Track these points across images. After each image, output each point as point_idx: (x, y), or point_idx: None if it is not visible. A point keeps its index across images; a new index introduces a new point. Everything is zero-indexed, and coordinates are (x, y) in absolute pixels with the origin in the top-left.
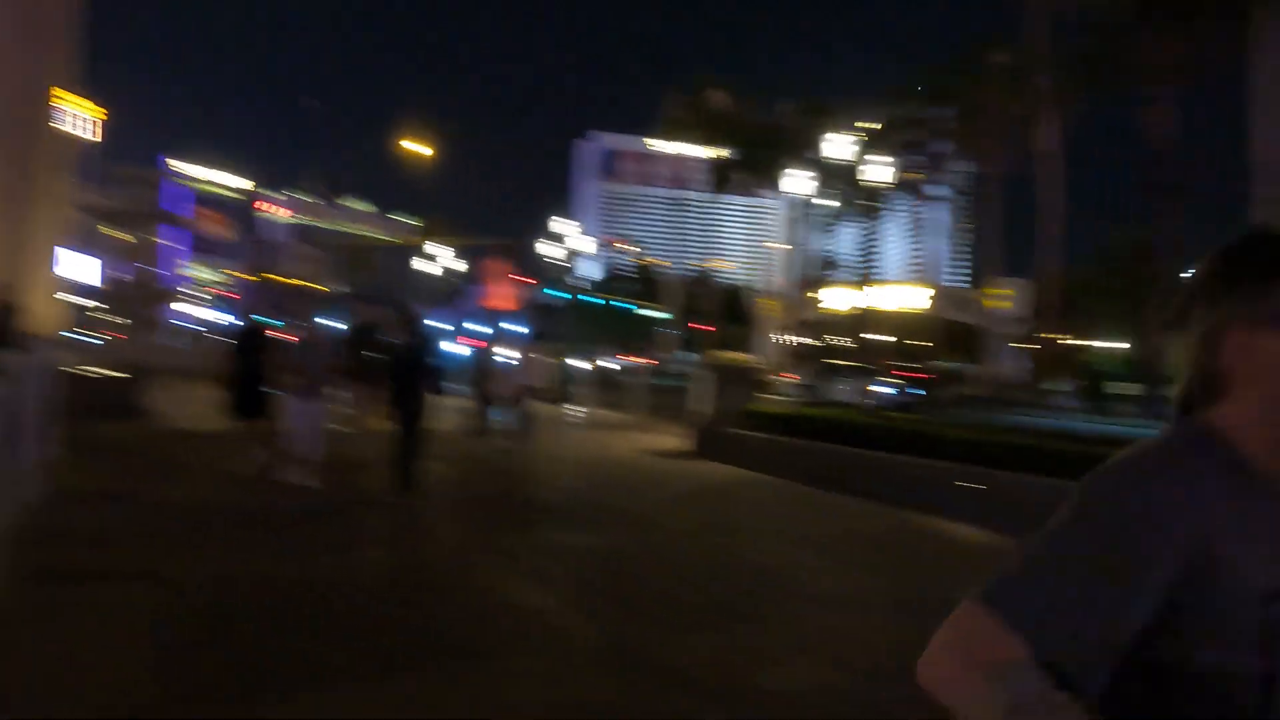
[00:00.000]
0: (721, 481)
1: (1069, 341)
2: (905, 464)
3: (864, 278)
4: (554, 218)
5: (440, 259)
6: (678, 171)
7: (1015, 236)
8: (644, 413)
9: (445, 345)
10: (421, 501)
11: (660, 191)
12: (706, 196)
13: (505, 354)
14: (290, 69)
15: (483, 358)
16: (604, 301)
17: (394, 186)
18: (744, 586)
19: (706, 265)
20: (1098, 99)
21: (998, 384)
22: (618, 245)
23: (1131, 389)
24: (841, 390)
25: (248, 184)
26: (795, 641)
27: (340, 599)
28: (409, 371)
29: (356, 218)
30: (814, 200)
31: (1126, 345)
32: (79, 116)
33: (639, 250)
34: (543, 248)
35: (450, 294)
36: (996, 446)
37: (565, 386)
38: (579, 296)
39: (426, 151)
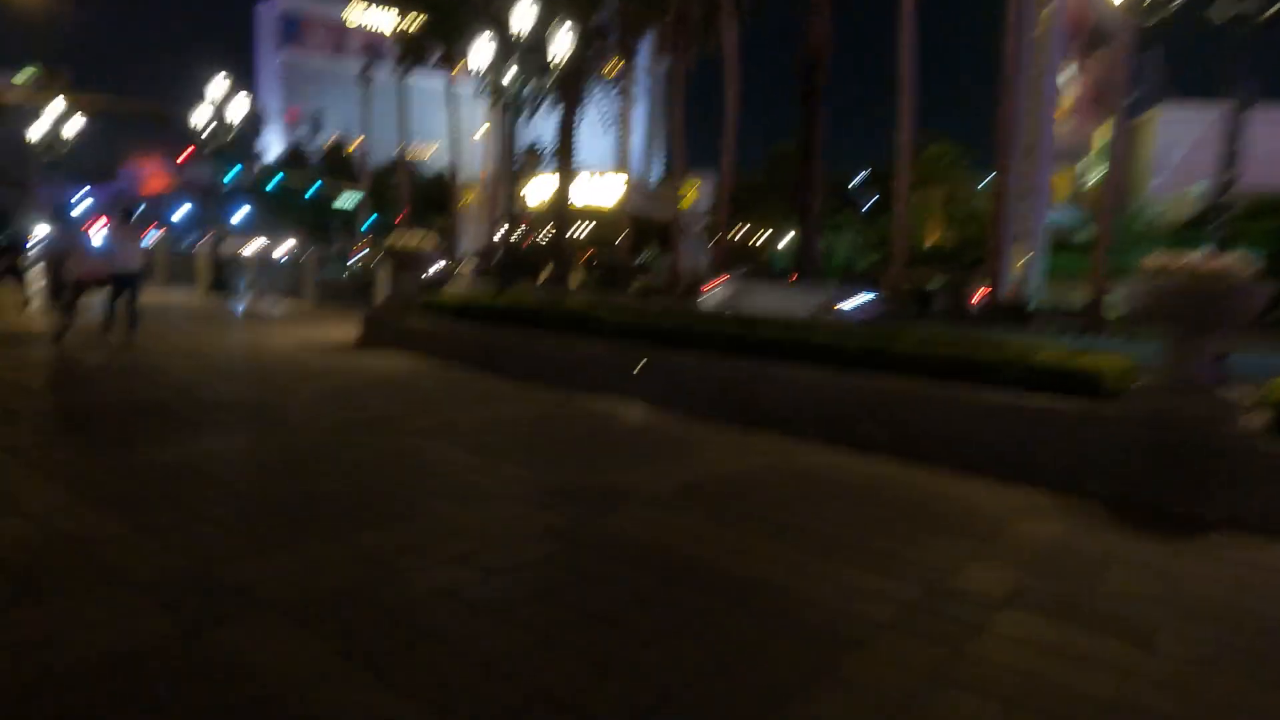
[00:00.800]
0: (384, 373)
1: (744, 235)
2: (573, 346)
3: (564, 169)
4: (213, 79)
5: (64, 126)
6: (374, 45)
7: (703, 135)
8: (321, 304)
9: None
10: None
11: (355, 66)
12: (405, 74)
13: (100, 234)
14: None
15: (62, 238)
16: (275, 184)
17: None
18: (377, 486)
19: (407, 150)
20: (770, 7)
21: (685, 275)
22: (292, 118)
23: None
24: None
25: None
26: (426, 542)
27: None
28: None
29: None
30: (507, 80)
31: (789, 238)
32: None
33: (316, 126)
34: (199, 116)
35: (96, 172)
36: (655, 329)
37: (224, 275)
38: (276, 179)
39: None
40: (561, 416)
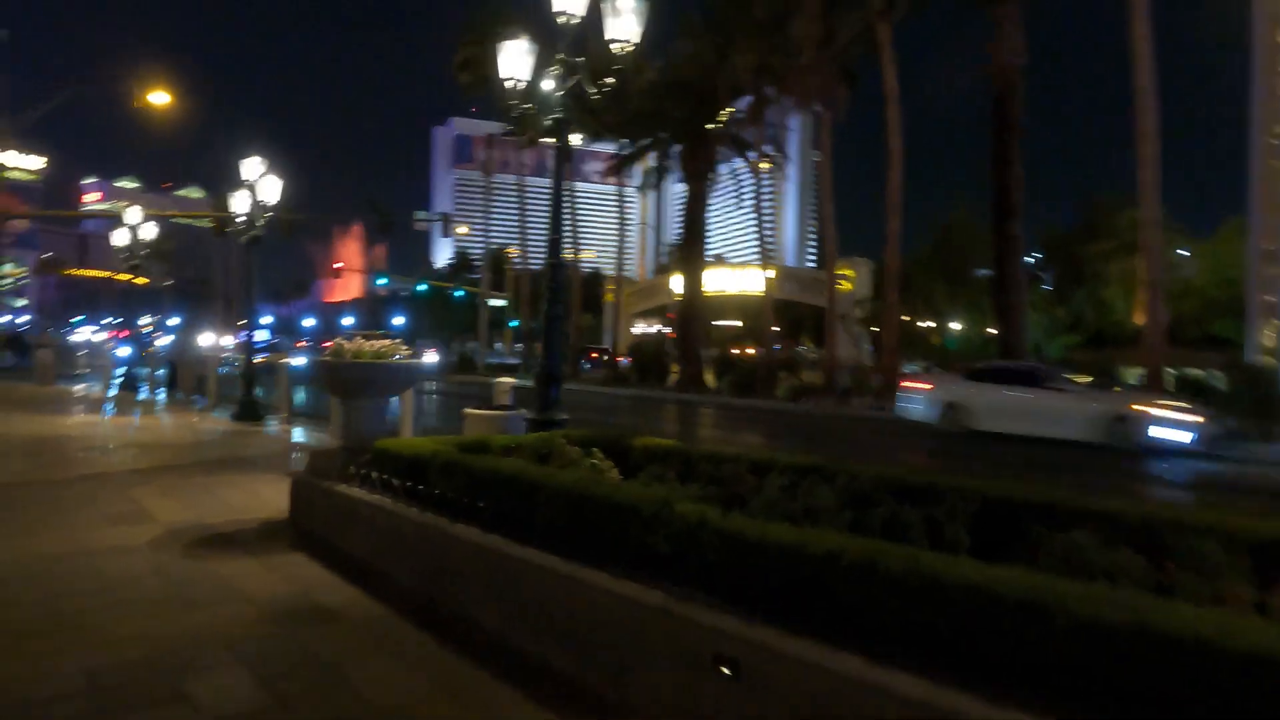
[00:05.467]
0: (205, 630)
1: (912, 322)
2: (587, 582)
3: (706, 260)
4: (245, 161)
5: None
6: (539, 159)
7: (861, 212)
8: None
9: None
10: None
11: (524, 179)
12: (569, 184)
13: None
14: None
15: None
16: (424, 289)
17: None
18: None
19: (576, 256)
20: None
21: (840, 369)
22: (418, 223)
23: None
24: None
25: (41, 162)
26: None
27: None
28: None
29: (186, 204)
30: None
31: (961, 325)
32: None
33: (446, 228)
34: (237, 204)
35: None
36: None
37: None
38: (420, 286)
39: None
40: None
